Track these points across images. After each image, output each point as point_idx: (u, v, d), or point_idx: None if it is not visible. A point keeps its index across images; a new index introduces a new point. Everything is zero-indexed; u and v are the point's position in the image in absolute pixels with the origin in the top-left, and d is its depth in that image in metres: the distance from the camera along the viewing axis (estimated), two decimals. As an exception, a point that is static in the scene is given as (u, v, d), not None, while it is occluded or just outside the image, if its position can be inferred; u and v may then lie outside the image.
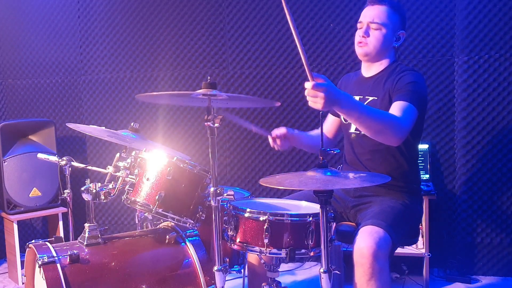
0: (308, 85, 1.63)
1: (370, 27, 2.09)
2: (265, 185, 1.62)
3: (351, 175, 1.70)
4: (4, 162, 3.21)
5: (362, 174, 1.82)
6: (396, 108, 1.91)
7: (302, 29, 3.32)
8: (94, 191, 1.97)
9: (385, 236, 1.77)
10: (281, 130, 2.18)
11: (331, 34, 3.28)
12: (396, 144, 1.90)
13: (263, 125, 3.45)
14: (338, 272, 1.62)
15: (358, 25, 2.14)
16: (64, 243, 1.97)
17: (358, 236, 1.79)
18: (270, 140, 2.21)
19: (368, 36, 2.09)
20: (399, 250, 1.88)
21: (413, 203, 2.09)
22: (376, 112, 1.83)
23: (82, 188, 1.97)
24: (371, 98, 2.09)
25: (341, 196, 2.18)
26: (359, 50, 2.13)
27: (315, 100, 1.64)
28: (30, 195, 3.28)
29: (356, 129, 2.13)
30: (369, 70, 2.18)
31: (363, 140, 2.10)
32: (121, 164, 1.99)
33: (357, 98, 2.12)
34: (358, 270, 1.74)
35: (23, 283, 2.13)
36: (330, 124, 2.40)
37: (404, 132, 1.86)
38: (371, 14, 2.09)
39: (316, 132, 2.37)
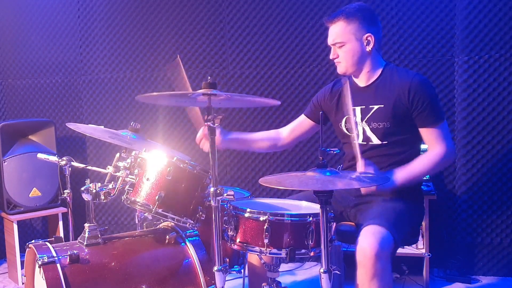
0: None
1: (335, 47, 2.11)
2: (265, 185, 1.62)
3: (351, 175, 1.70)
4: (4, 162, 3.21)
5: (362, 175, 1.82)
6: (434, 137, 2.03)
7: (302, 28, 3.31)
8: (94, 191, 1.96)
9: (387, 236, 1.77)
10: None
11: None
12: None
13: (263, 125, 3.45)
14: (338, 272, 1.61)
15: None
16: (64, 243, 1.97)
17: (361, 235, 1.79)
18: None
19: (338, 56, 2.12)
20: (399, 250, 1.88)
21: (414, 203, 2.09)
22: (427, 166, 2.02)
23: (82, 188, 1.97)
24: (376, 107, 2.08)
25: (342, 195, 2.18)
26: (337, 70, 2.18)
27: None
28: (30, 195, 3.28)
29: (364, 140, 2.12)
30: (360, 80, 2.17)
31: (369, 150, 2.11)
32: (121, 164, 1.98)
33: (358, 108, 2.13)
34: (361, 269, 1.75)
35: (23, 283, 2.13)
36: (297, 125, 2.42)
37: (454, 153, 2.10)
38: (331, 35, 2.12)
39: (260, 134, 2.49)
